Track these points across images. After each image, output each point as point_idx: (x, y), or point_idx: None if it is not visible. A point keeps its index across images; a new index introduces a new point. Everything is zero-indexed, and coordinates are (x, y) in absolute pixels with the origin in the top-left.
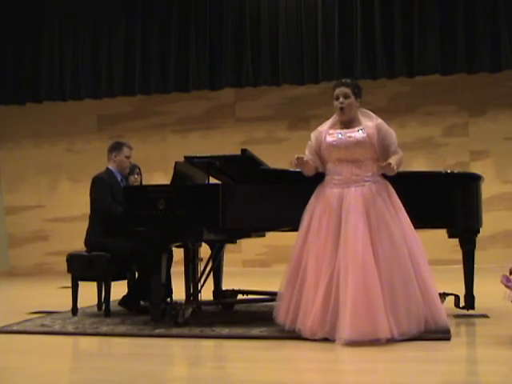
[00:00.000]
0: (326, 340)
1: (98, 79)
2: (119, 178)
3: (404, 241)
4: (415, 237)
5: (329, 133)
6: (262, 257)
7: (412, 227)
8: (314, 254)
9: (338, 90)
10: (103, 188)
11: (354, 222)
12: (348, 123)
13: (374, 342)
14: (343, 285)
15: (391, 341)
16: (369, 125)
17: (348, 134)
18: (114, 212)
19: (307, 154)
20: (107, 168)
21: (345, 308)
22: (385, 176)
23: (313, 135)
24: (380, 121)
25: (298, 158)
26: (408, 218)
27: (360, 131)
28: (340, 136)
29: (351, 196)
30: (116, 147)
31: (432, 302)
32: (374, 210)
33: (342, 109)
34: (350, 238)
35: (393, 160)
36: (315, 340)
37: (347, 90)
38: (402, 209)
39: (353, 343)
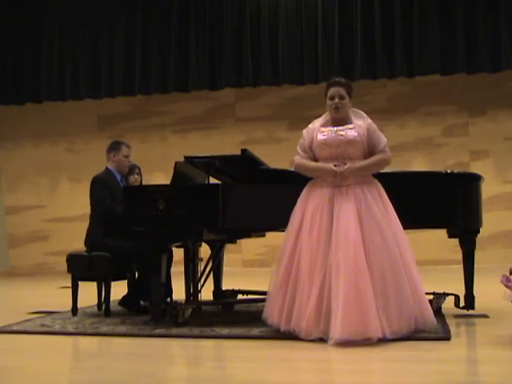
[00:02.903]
0: (323, 340)
1: (97, 79)
2: (119, 177)
3: (395, 240)
4: (404, 236)
5: (320, 130)
6: (261, 257)
7: (401, 226)
8: (307, 255)
9: (333, 90)
10: (103, 188)
11: (345, 222)
12: (340, 122)
13: (366, 342)
14: (335, 285)
15: (383, 340)
16: (360, 124)
17: (339, 132)
18: (114, 212)
19: (300, 152)
20: (106, 168)
21: (336, 308)
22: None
23: (305, 132)
24: (370, 121)
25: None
26: (397, 217)
27: (351, 130)
28: (331, 134)
29: (343, 195)
30: (114, 147)
31: (421, 301)
32: (366, 209)
33: (337, 109)
34: (341, 238)
35: (360, 163)
36: (313, 340)
37: (343, 91)
38: (392, 208)
39: (344, 342)
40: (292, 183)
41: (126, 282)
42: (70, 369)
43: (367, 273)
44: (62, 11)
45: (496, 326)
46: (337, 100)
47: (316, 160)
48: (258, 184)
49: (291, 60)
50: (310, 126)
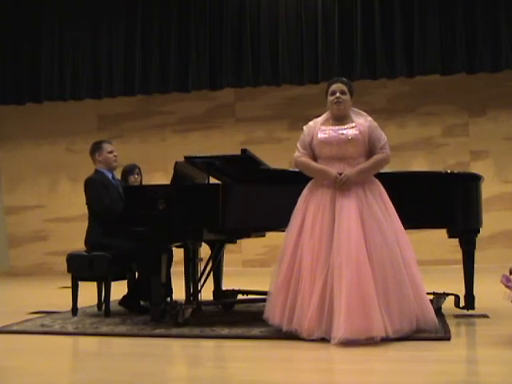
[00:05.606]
0: (324, 340)
1: (98, 79)
2: (110, 176)
3: (396, 240)
4: (405, 235)
5: (321, 129)
6: (261, 257)
7: (402, 226)
8: (309, 254)
9: (334, 86)
10: (99, 188)
11: (347, 221)
12: (341, 120)
13: (369, 341)
14: (337, 284)
15: (385, 339)
16: (361, 122)
17: (340, 131)
18: (115, 210)
19: (300, 149)
20: (96, 170)
21: (339, 307)
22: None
23: (306, 129)
24: (371, 118)
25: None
26: (398, 217)
27: (352, 129)
28: (332, 132)
29: (344, 195)
30: (96, 147)
31: (422, 300)
32: (367, 208)
33: (338, 103)
34: (343, 237)
35: (358, 167)
36: (314, 340)
37: (344, 87)
38: (393, 207)
39: (347, 342)
40: (292, 183)
41: (126, 281)
42: (70, 369)
43: (369, 272)
44: (62, 11)
45: (496, 325)
46: (338, 94)
47: (315, 158)
48: (258, 184)
49: (291, 60)
50: (311, 123)
